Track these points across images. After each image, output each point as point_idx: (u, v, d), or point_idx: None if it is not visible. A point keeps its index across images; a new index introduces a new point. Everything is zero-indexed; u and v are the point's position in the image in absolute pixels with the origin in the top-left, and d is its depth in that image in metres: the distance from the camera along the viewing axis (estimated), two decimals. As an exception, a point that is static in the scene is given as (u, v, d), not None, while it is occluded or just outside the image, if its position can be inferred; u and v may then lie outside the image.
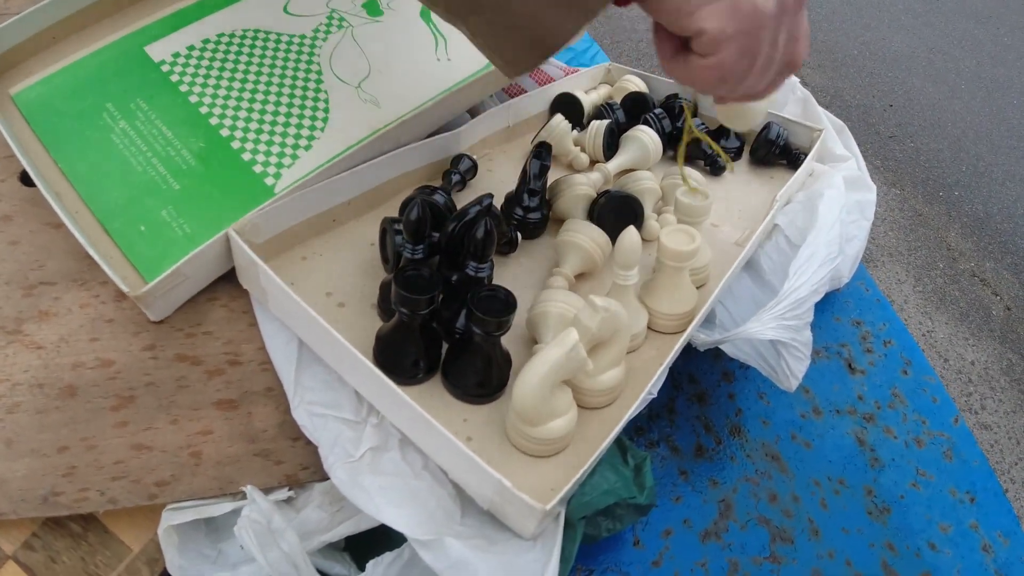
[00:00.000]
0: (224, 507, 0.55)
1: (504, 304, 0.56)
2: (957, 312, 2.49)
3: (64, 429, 0.55)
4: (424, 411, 0.51)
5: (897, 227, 2.77)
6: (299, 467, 0.58)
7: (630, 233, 0.60)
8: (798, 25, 0.49)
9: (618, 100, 0.96)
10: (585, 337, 0.54)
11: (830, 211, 0.76)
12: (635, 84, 0.99)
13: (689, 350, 0.71)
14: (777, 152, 0.91)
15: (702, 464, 0.70)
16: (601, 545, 0.63)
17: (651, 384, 0.60)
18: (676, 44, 0.49)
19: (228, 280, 0.65)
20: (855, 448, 0.75)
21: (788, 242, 0.78)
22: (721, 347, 0.70)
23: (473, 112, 0.87)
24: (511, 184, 0.77)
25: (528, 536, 0.51)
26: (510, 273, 0.72)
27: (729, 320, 0.74)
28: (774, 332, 0.64)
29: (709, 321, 0.75)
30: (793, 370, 0.66)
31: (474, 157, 0.79)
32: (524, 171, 0.74)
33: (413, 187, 0.75)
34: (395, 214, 0.66)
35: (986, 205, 2.94)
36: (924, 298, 2.51)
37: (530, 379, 0.52)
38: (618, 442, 0.61)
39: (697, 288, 0.71)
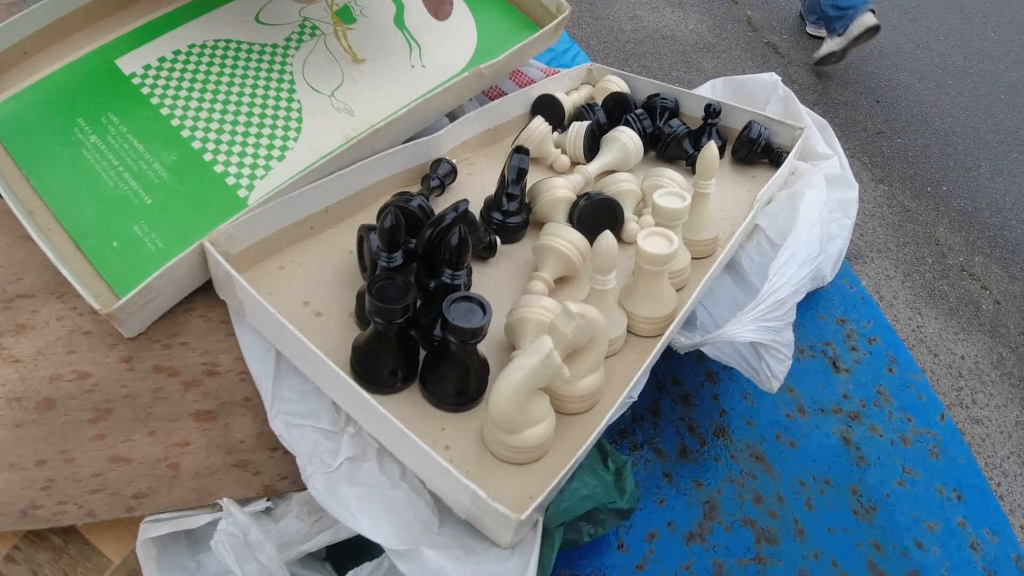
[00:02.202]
0: (202, 519, 0.54)
1: (478, 311, 0.56)
2: (947, 307, 2.49)
3: (42, 442, 0.55)
4: (401, 421, 0.51)
5: (885, 223, 2.77)
6: (277, 477, 0.57)
7: (606, 238, 0.60)
8: None
9: (599, 101, 0.95)
10: (561, 344, 0.54)
11: (811, 210, 0.76)
12: (616, 84, 0.99)
13: (672, 352, 0.71)
14: (759, 151, 0.91)
15: (686, 466, 0.70)
16: (585, 549, 0.63)
17: (630, 388, 0.60)
18: None
19: (205, 290, 0.65)
20: (840, 447, 0.75)
21: (769, 242, 0.77)
22: (702, 349, 0.70)
23: (452, 116, 0.87)
24: (492, 188, 0.77)
25: (505, 545, 0.51)
26: (490, 278, 0.72)
27: (710, 322, 0.74)
28: (754, 334, 0.64)
29: (690, 323, 0.75)
30: (775, 371, 0.66)
31: (453, 161, 0.79)
32: (502, 175, 0.74)
33: (392, 193, 0.74)
34: (373, 221, 0.66)
35: (974, 200, 2.95)
36: (913, 293, 2.51)
37: (505, 388, 0.52)
38: (599, 446, 0.61)
39: (677, 290, 0.71)
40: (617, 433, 0.71)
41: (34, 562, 0.53)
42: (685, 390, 0.76)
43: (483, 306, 0.56)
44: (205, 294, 0.65)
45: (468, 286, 0.63)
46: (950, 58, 3.85)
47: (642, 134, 0.88)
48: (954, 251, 2.72)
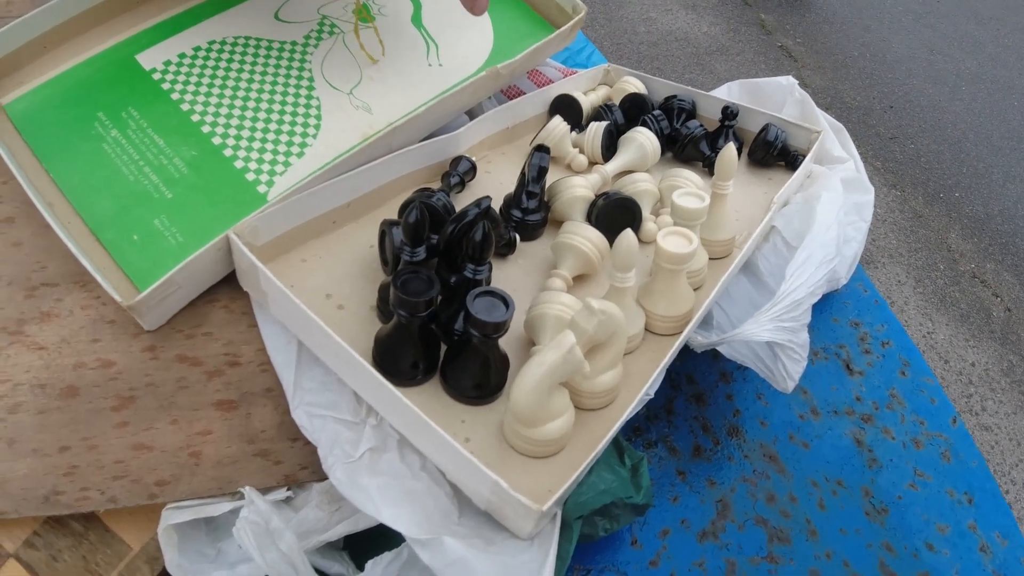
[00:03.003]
0: (223, 507, 0.55)
1: (501, 306, 0.56)
2: (958, 313, 2.49)
3: (65, 429, 0.56)
4: (422, 413, 0.51)
5: (897, 228, 2.77)
6: (298, 467, 0.58)
7: (627, 236, 0.60)
8: None
9: (617, 101, 0.96)
10: (582, 339, 0.54)
11: (827, 213, 0.76)
12: (634, 85, 0.99)
13: (687, 351, 0.71)
14: (775, 154, 0.91)
15: (700, 464, 0.71)
16: (599, 545, 0.63)
17: (648, 386, 0.60)
18: None
19: (228, 282, 0.65)
20: (853, 449, 0.75)
21: (786, 244, 0.78)
22: (718, 349, 0.70)
23: (472, 114, 0.88)
24: (510, 186, 0.77)
25: (525, 536, 0.52)
26: (509, 275, 0.73)
27: (727, 322, 0.75)
28: (770, 334, 0.64)
29: (706, 323, 0.75)
30: (790, 372, 0.67)
31: (473, 159, 0.79)
32: (523, 173, 0.74)
33: (412, 189, 0.75)
34: (394, 216, 0.66)
35: (986, 206, 2.95)
36: (925, 299, 2.51)
37: (527, 382, 0.53)
38: (615, 443, 0.61)
39: (694, 290, 0.72)
40: (632, 431, 0.72)
41: (54, 548, 0.54)
42: (699, 389, 0.76)
43: (506, 301, 0.56)
44: (228, 286, 0.65)
45: (489, 282, 0.63)
46: (963, 64, 3.85)
47: (659, 135, 0.89)
48: (966, 257, 2.71)
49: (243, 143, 0.70)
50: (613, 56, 3.30)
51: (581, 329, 0.54)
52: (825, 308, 0.88)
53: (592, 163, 0.88)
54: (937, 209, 2.91)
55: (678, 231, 0.66)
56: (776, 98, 1.00)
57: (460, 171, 0.77)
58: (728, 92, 1.04)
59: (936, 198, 2.96)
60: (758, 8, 4.01)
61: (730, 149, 0.74)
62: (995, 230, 2.85)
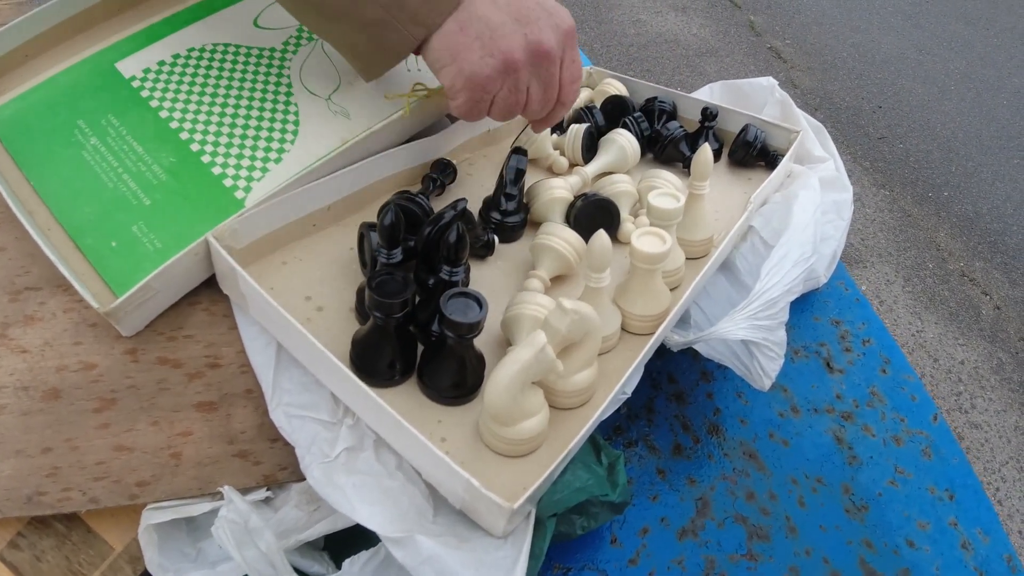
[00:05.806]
0: (203, 507, 0.56)
1: (475, 307, 0.57)
2: (947, 312, 2.50)
3: (48, 430, 0.56)
4: (398, 412, 0.52)
5: (887, 228, 2.78)
6: (277, 467, 0.59)
7: (600, 237, 0.61)
8: (551, 76, 0.67)
9: (598, 104, 0.96)
10: (555, 339, 0.55)
11: (804, 212, 0.77)
12: (615, 87, 1.00)
13: (668, 350, 0.72)
14: (755, 154, 0.92)
15: (680, 463, 0.71)
16: (578, 543, 0.64)
17: (622, 384, 0.61)
18: None
19: (209, 284, 0.66)
20: (833, 446, 0.75)
21: (763, 243, 0.79)
22: (695, 347, 0.70)
23: (453, 117, 0.88)
24: (491, 188, 0.78)
25: (498, 534, 0.52)
26: (488, 276, 0.73)
27: (705, 321, 0.75)
28: (746, 332, 0.65)
29: (684, 322, 0.76)
30: (766, 370, 0.67)
31: (453, 162, 0.80)
32: (501, 175, 0.75)
33: (392, 192, 0.75)
34: (374, 219, 0.67)
35: (975, 205, 2.96)
36: (914, 298, 2.52)
37: (500, 380, 0.53)
38: (592, 441, 0.62)
39: (672, 290, 0.72)
40: (612, 430, 0.72)
41: (37, 548, 0.55)
42: (679, 388, 0.77)
43: (479, 302, 0.57)
44: (209, 288, 0.66)
45: (466, 283, 0.64)
46: (952, 64, 3.86)
47: (640, 136, 0.89)
48: (955, 256, 2.72)
49: (221, 149, 0.71)
50: (603, 58, 3.31)
51: (554, 329, 0.55)
52: (806, 306, 0.88)
53: (573, 165, 0.89)
54: (926, 208, 2.92)
55: (652, 231, 0.67)
56: (757, 99, 1.01)
57: (440, 174, 0.78)
58: (710, 93, 1.05)
59: (925, 197, 2.97)
60: (747, 10, 4.02)
61: (705, 150, 0.75)
62: (984, 228, 2.86)
